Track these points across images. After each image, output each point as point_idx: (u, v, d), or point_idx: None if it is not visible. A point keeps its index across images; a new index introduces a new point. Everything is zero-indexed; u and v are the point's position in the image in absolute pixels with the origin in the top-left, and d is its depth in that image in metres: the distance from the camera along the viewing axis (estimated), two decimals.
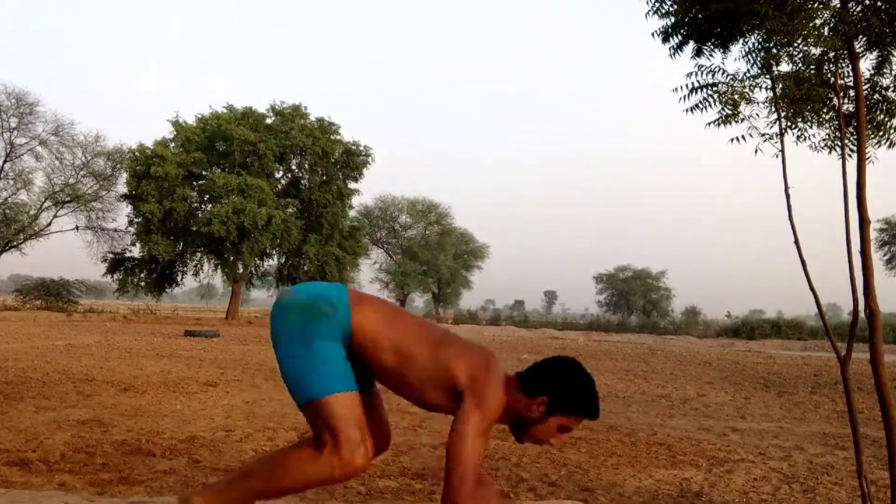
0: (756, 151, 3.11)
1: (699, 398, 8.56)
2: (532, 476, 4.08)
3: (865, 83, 2.95)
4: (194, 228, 27.77)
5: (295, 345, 1.84)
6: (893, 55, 2.89)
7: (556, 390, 1.90)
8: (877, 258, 35.04)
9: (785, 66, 3.02)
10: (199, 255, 29.94)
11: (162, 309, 35.64)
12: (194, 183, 29.21)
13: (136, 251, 29.22)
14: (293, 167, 31.21)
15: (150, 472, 3.73)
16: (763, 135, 3.09)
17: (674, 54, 3.12)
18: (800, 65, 2.98)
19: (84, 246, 30.55)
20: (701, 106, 3.07)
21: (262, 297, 51.22)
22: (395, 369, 1.90)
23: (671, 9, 3.05)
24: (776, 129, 3.05)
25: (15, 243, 29.00)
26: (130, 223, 28.73)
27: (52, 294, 29.36)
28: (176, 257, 29.00)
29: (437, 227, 45.70)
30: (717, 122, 3.12)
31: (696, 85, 3.04)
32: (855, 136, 2.92)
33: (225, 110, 29.78)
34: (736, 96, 3.06)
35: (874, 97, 3.00)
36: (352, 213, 35.61)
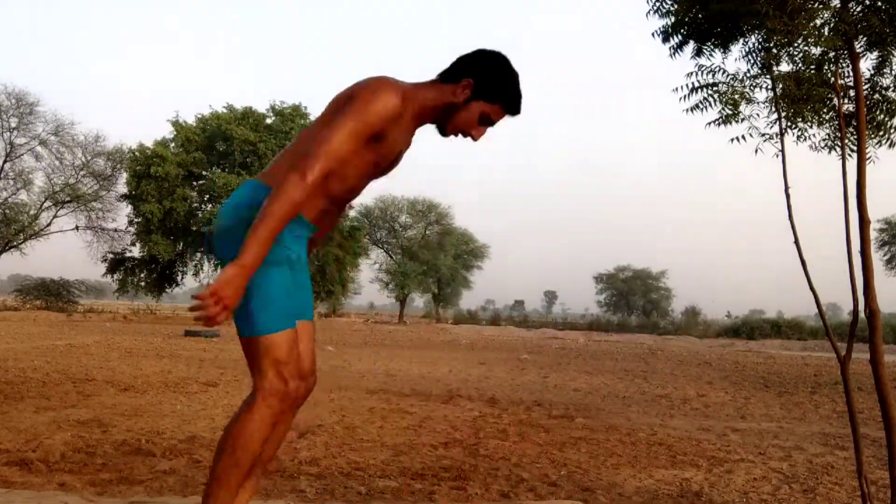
0: (756, 151, 3.11)
1: (699, 398, 8.56)
2: (532, 476, 4.08)
3: (865, 83, 2.95)
4: (194, 228, 27.76)
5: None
6: (894, 55, 2.90)
7: (480, 72, 1.88)
8: (877, 258, 35.04)
9: (785, 66, 3.02)
10: (199, 255, 29.92)
11: (162, 309, 35.64)
12: (194, 183, 29.19)
13: (136, 251, 29.22)
14: None
15: (150, 472, 3.73)
16: (763, 135, 3.09)
17: (674, 54, 3.12)
18: (800, 65, 2.98)
19: (84, 246, 30.50)
20: (701, 106, 3.07)
21: None
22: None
23: (671, 8, 3.05)
24: (776, 129, 3.05)
25: (15, 243, 28.97)
26: (130, 223, 28.74)
27: (52, 294, 29.35)
28: (176, 257, 28.99)
29: (437, 227, 45.69)
30: (717, 122, 3.12)
31: (697, 85, 3.05)
32: (855, 136, 2.92)
33: (225, 110, 29.76)
34: (736, 96, 3.06)
35: (874, 97, 3.00)
36: (352, 213, 35.63)
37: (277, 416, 1.81)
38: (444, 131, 1.95)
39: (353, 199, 2.02)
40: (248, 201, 1.80)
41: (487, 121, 1.92)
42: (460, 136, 1.95)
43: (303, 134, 1.89)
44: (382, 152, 1.87)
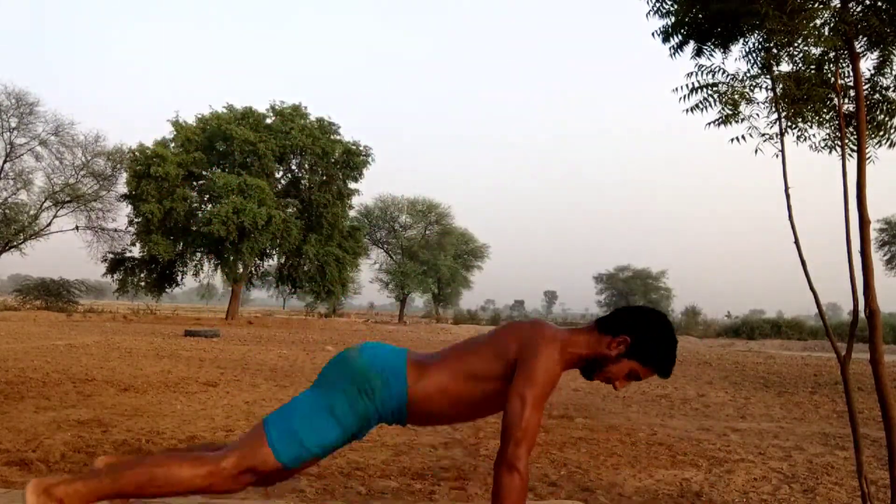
0: (756, 151, 3.11)
1: (699, 398, 8.56)
2: (532, 476, 4.08)
3: (866, 83, 2.95)
4: (194, 228, 27.76)
5: (318, 399, 1.85)
6: (894, 55, 2.89)
7: (640, 334, 1.89)
8: (877, 258, 35.02)
9: (785, 66, 3.02)
10: (199, 255, 29.91)
11: (162, 309, 35.64)
12: (194, 183, 29.20)
13: (136, 251, 29.23)
14: (293, 167, 31.23)
15: None
16: (763, 135, 3.09)
17: (674, 54, 3.12)
18: (800, 65, 2.98)
19: (84, 246, 30.52)
20: (701, 106, 3.07)
21: (262, 297, 51.21)
22: (458, 410, 1.92)
23: (671, 9, 3.05)
24: (776, 129, 3.05)
25: (15, 243, 28.96)
26: (130, 223, 28.74)
27: (52, 294, 29.34)
28: (176, 257, 29.00)
29: (437, 227, 45.68)
30: (717, 122, 3.12)
31: (697, 85, 3.05)
32: (855, 136, 2.92)
33: (225, 110, 29.78)
34: (736, 96, 3.06)
35: (874, 97, 3.00)
36: (352, 213, 35.61)
37: (202, 487, 1.83)
38: (591, 377, 1.98)
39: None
40: (383, 370, 1.87)
41: (635, 377, 1.95)
42: (605, 382, 1.98)
43: (478, 352, 1.92)
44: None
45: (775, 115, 3.04)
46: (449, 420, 1.98)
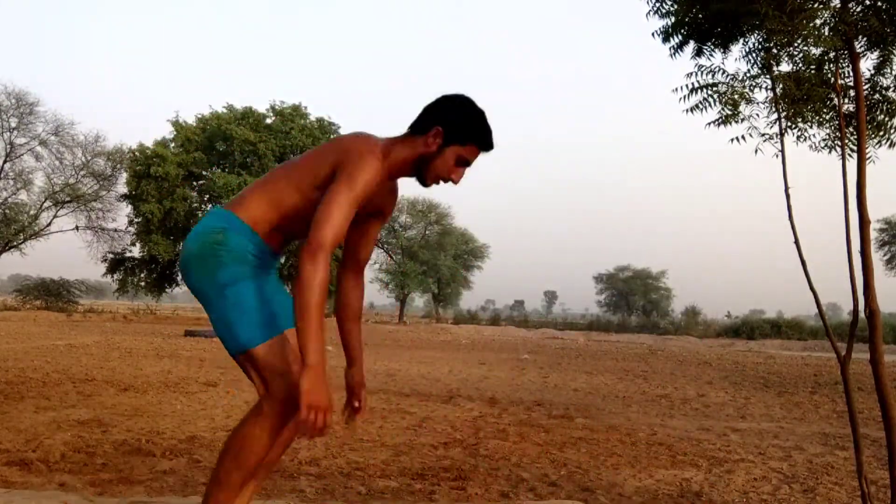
0: (756, 151, 3.11)
1: (699, 398, 8.56)
2: (532, 476, 4.08)
3: (866, 83, 2.95)
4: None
5: (212, 299, 1.86)
6: (894, 55, 2.89)
7: (447, 118, 1.93)
8: (877, 258, 35.03)
9: (785, 66, 3.02)
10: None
11: (162, 309, 35.66)
12: (194, 183, 29.17)
13: (136, 251, 29.20)
14: None
15: (150, 472, 3.73)
16: (763, 135, 3.09)
17: (674, 54, 3.12)
18: (800, 65, 2.98)
19: (84, 246, 30.48)
20: (701, 106, 3.07)
21: None
22: (296, 216, 1.93)
23: (671, 9, 3.05)
24: (776, 129, 3.05)
25: (15, 243, 28.96)
26: (130, 223, 28.73)
27: (52, 294, 29.35)
28: (176, 257, 28.97)
29: (437, 227, 45.65)
30: (717, 123, 3.12)
31: (696, 85, 3.04)
32: (855, 136, 2.92)
33: (225, 110, 29.75)
34: (736, 96, 3.06)
35: (874, 97, 3.00)
36: None
37: (284, 421, 1.84)
38: (425, 182, 2.01)
39: None
40: (212, 228, 1.88)
41: (464, 162, 1.98)
42: (440, 182, 2.00)
43: (278, 171, 1.98)
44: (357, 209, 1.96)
45: (775, 115, 3.04)
46: (296, 236, 2.00)
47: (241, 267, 1.85)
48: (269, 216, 1.92)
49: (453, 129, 1.93)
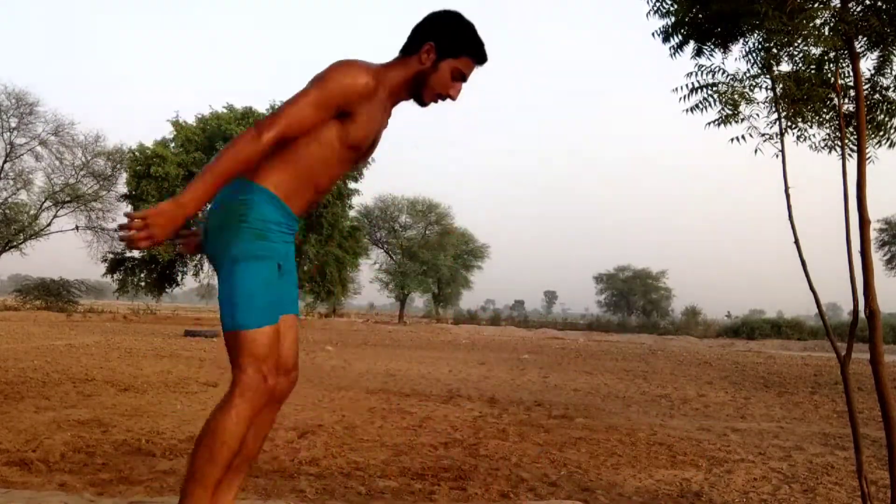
0: (756, 151, 3.11)
1: (699, 398, 8.56)
2: (532, 476, 4.08)
3: (866, 83, 2.95)
4: (194, 228, 27.70)
5: (223, 270, 1.84)
6: (894, 55, 2.89)
7: (437, 33, 1.93)
8: (877, 258, 35.03)
9: (785, 66, 3.02)
10: (198, 255, 29.88)
11: (162, 309, 35.67)
12: None
13: (135, 251, 29.19)
14: None
15: (150, 472, 3.73)
16: (763, 135, 3.09)
17: (674, 54, 3.11)
18: (800, 65, 2.98)
19: (84, 246, 30.47)
20: (701, 106, 3.07)
21: None
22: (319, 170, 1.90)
23: (671, 8, 3.05)
24: (776, 129, 3.05)
25: (15, 243, 28.96)
26: None
27: (52, 294, 29.33)
28: (176, 257, 28.95)
29: (437, 227, 45.65)
30: (717, 122, 3.12)
31: (697, 85, 3.04)
32: (855, 136, 2.92)
33: (225, 110, 29.73)
34: (736, 96, 3.06)
35: (874, 97, 3.00)
36: (352, 213, 35.57)
37: (256, 411, 1.79)
38: (423, 100, 2.00)
39: (333, 187, 2.06)
40: (234, 199, 1.85)
41: (460, 76, 1.98)
42: (439, 100, 2.00)
43: None
44: (359, 134, 1.91)
45: (775, 115, 3.04)
46: (318, 193, 1.96)
47: (258, 243, 1.82)
48: (286, 177, 1.88)
49: (445, 43, 1.93)
